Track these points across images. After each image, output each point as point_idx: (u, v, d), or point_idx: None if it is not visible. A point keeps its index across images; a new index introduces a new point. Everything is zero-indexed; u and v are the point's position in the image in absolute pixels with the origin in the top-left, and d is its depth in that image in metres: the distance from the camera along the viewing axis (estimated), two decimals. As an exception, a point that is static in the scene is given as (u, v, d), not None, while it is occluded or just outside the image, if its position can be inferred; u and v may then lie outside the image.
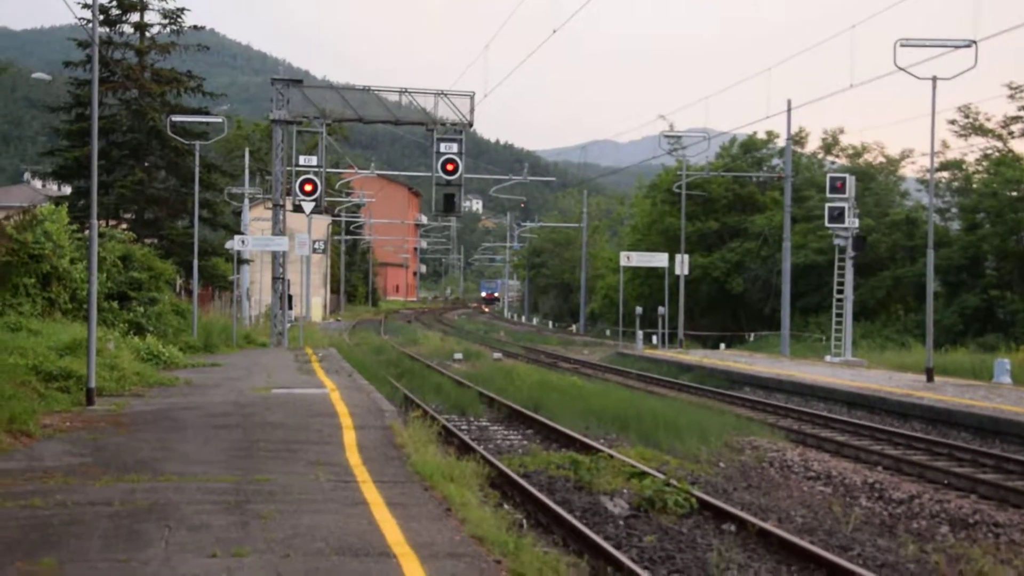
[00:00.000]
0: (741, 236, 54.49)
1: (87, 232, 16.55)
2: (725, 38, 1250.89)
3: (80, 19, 34.22)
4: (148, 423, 13.87)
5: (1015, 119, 43.42)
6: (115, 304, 26.90)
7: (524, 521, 10.83)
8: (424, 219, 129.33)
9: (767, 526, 10.66)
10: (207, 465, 10.79)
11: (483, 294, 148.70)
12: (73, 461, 10.82)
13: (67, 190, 49.51)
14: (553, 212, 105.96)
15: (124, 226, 38.85)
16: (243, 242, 33.31)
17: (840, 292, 33.37)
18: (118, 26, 42.83)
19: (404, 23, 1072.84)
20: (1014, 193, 41.83)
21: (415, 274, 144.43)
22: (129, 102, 42.57)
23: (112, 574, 6.76)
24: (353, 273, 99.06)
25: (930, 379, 25.15)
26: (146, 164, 43.24)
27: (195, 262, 32.34)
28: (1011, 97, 42.80)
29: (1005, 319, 41.73)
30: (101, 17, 40.23)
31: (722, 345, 45.42)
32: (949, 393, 22.17)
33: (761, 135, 56.80)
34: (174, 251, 39.66)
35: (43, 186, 72.41)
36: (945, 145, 45.92)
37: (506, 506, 11.47)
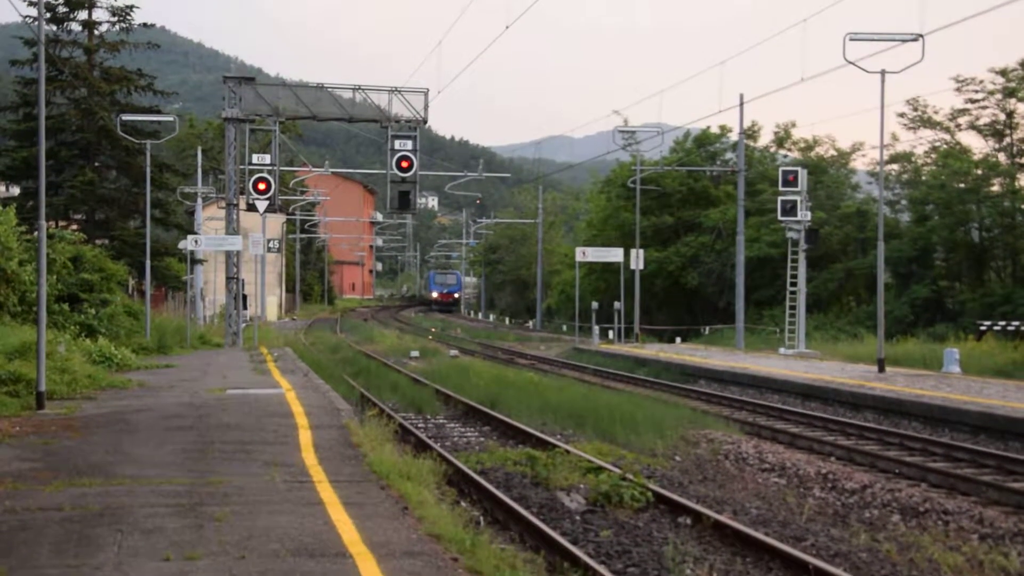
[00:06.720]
0: (695, 230, 54.84)
1: (36, 233, 16.31)
2: (675, 29, 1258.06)
3: (26, 17, 33.77)
4: (100, 426, 13.70)
5: (962, 112, 44.09)
6: (66, 306, 26.56)
7: (481, 518, 10.85)
8: (379, 216, 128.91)
9: (722, 518, 10.76)
10: (161, 468, 10.69)
11: (434, 294, 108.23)
12: (23, 466, 10.66)
13: (15, 191, 48.77)
14: (509, 208, 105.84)
15: (74, 227, 38.40)
16: (196, 242, 33.04)
17: (793, 285, 33.74)
18: (66, 24, 42.25)
19: (358, 19, 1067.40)
20: (962, 185, 42.49)
21: (371, 272, 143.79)
22: (78, 101, 42.03)
23: (63, 580, 6.68)
24: (308, 272, 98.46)
25: (881, 370, 25.49)
26: (96, 164, 42.72)
27: (147, 263, 32.00)
28: (958, 90, 43.48)
29: (954, 309, 42.40)
30: (48, 15, 39.61)
31: (678, 339, 45.72)
32: (900, 383, 22.49)
33: (714, 129, 57.19)
34: (126, 252, 39.24)
35: (-10, 187, 71.21)
36: (895, 138, 46.61)
37: (463, 503, 11.49)
